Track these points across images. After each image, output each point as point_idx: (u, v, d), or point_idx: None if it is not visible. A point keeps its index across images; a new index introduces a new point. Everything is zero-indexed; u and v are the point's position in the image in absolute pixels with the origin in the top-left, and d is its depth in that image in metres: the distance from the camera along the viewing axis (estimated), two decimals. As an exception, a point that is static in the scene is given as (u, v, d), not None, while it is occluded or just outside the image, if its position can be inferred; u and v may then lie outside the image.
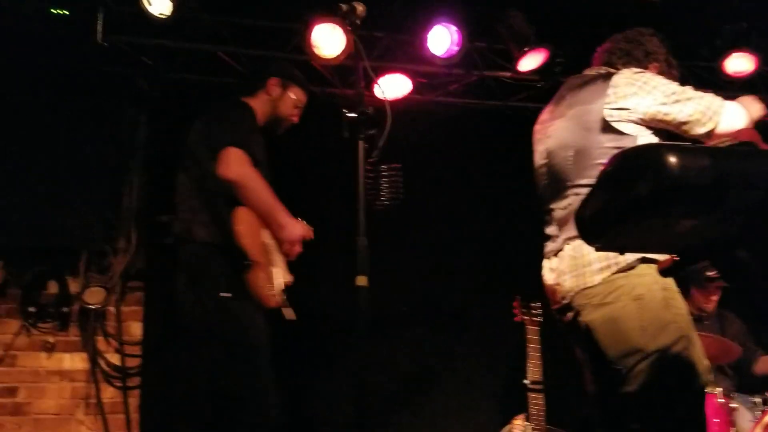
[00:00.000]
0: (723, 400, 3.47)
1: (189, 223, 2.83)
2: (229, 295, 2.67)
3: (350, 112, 1.95)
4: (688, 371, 2.13)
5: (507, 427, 3.44)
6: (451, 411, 4.29)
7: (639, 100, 2.30)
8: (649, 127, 2.34)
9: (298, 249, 2.92)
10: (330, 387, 4.05)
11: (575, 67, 4.61)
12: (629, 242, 1.72)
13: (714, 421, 3.41)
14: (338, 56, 4.09)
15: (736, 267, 1.62)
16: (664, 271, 1.81)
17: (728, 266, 1.63)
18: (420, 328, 4.35)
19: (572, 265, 2.31)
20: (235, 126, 2.85)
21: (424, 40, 4.27)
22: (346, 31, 3.99)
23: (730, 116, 2.25)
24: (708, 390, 3.30)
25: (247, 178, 2.73)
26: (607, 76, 2.41)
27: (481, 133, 4.84)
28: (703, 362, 2.18)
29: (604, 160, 2.18)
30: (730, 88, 4.90)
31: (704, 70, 4.82)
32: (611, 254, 2.22)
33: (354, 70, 4.30)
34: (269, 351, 2.77)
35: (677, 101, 2.28)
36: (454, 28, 4.29)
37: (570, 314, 2.35)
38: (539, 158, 2.59)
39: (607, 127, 2.30)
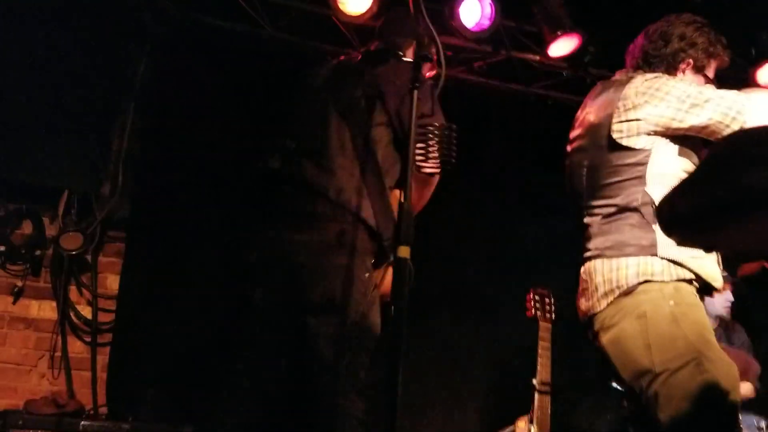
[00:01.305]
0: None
1: (348, 189, 2.35)
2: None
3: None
4: (708, 392, 1.96)
5: (509, 428, 3.23)
6: (453, 404, 4.10)
7: (651, 109, 2.17)
8: (666, 136, 2.19)
9: None
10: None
11: (606, 60, 4.49)
12: (724, 240, 1.49)
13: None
14: (363, 14, 3.87)
15: None
16: (747, 278, 1.59)
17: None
18: (432, 318, 4.11)
19: (584, 288, 2.25)
20: (431, 105, 2.38)
21: (455, 9, 4.00)
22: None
23: (758, 110, 2.10)
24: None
25: (437, 177, 2.39)
26: (620, 87, 2.28)
27: (499, 115, 4.61)
28: (728, 378, 2.01)
29: (616, 179, 2.19)
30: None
31: (735, 79, 4.63)
32: (614, 278, 2.14)
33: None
34: None
35: (694, 105, 2.14)
36: (488, 0, 4.03)
37: (590, 334, 2.25)
38: (567, 169, 2.46)
39: (615, 145, 2.20)
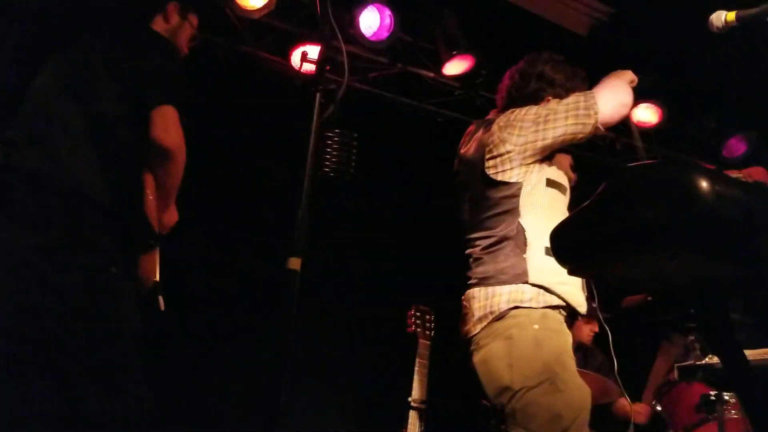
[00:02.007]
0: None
1: (78, 172, 2.14)
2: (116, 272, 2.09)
3: (308, 61, 1.58)
4: (559, 409, 2.11)
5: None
6: (330, 422, 3.99)
7: (515, 139, 2.33)
8: (537, 162, 2.36)
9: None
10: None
11: (497, 84, 4.62)
12: (613, 272, 1.51)
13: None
14: (259, 9, 3.74)
15: (721, 318, 1.46)
16: (629, 309, 1.65)
17: (712, 316, 1.46)
18: (311, 333, 4.00)
19: (464, 313, 2.37)
20: (172, 76, 2.25)
21: (355, 17, 3.96)
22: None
23: (607, 101, 2.31)
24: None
25: (182, 149, 2.19)
26: (489, 125, 2.45)
27: (388, 128, 4.60)
28: (580, 399, 2.17)
29: (493, 212, 2.33)
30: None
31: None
32: (489, 304, 2.27)
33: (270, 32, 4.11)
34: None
35: (548, 120, 2.32)
36: (388, 12, 4.03)
37: (466, 355, 2.35)
38: (456, 201, 2.61)
39: (490, 180, 2.36)
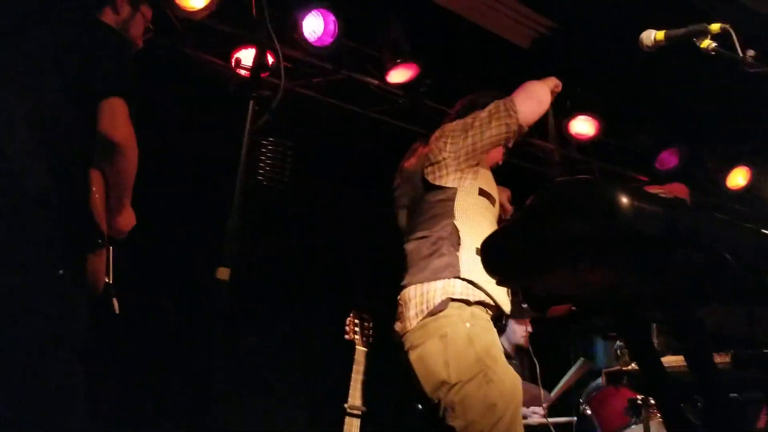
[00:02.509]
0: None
1: (23, 168, 2.05)
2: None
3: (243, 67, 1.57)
4: (492, 398, 2.29)
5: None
6: (267, 428, 3.95)
7: (450, 147, 2.57)
8: (471, 171, 2.57)
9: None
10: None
11: (441, 93, 4.67)
12: (540, 283, 1.54)
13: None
14: (200, 10, 3.68)
15: (642, 331, 1.51)
16: (554, 319, 1.70)
17: (634, 328, 1.51)
18: (249, 337, 3.98)
19: (400, 311, 2.51)
20: (121, 67, 2.16)
21: (298, 22, 3.94)
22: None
23: (524, 101, 2.58)
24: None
25: (132, 143, 2.10)
26: (426, 141, 2.70)
27: (332, 134, 4.60)
28: (511, 388, 2.36)
29: (429, 214, 2.53)
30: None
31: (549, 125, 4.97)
32: (424, 300, 2.43)
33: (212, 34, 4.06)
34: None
35: (475, 126, 2.56)
36: (332, 18, 4.02)
37: (402, 353, 2.49)
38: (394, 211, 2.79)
39: (428, 185, 2.57)
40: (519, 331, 4.02)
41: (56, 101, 2.11)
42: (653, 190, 1.59)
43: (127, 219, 2.24)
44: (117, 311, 2.13)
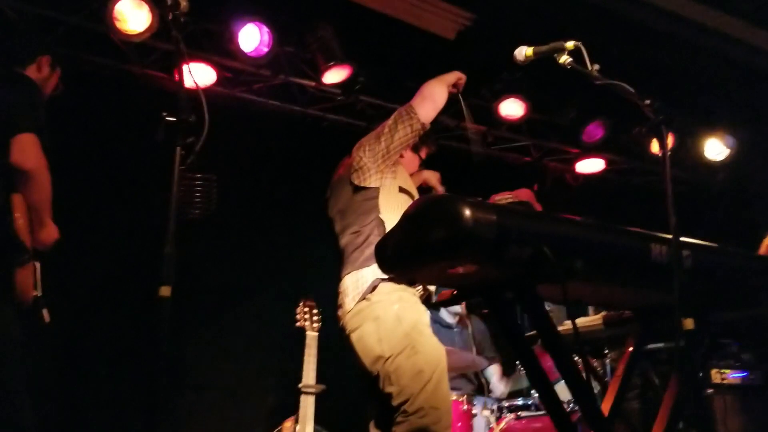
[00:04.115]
0: (466, 407, 3.91)
1: None
2: None
3: (170, 116, 1.89)
4: (419, 367, 2.66)
5: (276, 430, 3.56)
6: (223, 411, 4.31)
7: (368, 152, 2.94)
8: (390, 172, 2.94)
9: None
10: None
11: (375, 89, 4.99)
12: (420, 275, 1.93)
13: (458, 425, 3.82)
14: (141, 33, 3.94)
15: (503, 305, 1.90)
16: (444, 302, 2.08)
17: (496, 304, 1.90)
18: (210, 329, 4.32)
19: (340, 300, 2.87)
20: (31, 107, 2.61)
21: (234, 35, 4.23)
22: (152, 9, 3.88)
23: (421, 104, 2.95)
24: (454, 397, 3.79)
25: (42, 169, 2.54)
26: (351, 154, 3.05)
27: (278, 136, 4.90)
28: (435, 358, 2.71)
29: (358, 212, 2.88)
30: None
31: (482, 109, 5.33)
32: (359, 285, 2.78)
33: (155, 51, 4.32)
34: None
35: (385, 132, 2.92)
36: (266, 29, 4.32)
37: (344, 336, 2.86)
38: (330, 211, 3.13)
39: (355, 188, 2.94)
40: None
41: None
42: (501, 196, 1.98)
43: (49, 233, 2.70)
44: (47, 321, 2.53)
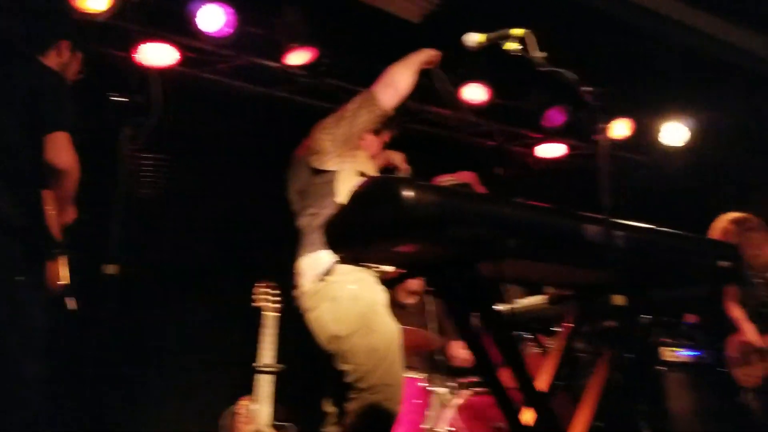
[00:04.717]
0: (423, 384, 3.98)
1: None
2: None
3: (118, 96, 1.91)
4: (375, 345, 2.73)
5: (232, 408, 3.61)
6: (180, 391, 4.34)
7: (328, 135, 2.93)
8: (350, 156, 2.92)
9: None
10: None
11: (340, 71, 5.01)
12: (367, 255, 1.99)
13: (414, 402, 3.90)
14: (103, 12, 3.92)
15: (446, 284, 1.97)
16: (391, 280, 2.15)
17: (440, 282, 1.97)
18: (161, 307, 4.33)
19: (297, 280, 2.90)
20: (62, 103, 2.60)
21: (195, 15, 4.22)
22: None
23: (382, 90, 2.92)
24: (412, 375, 3.87)
25: (75, 169, 2.56)
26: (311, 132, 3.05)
27: (243, 116, 4.90)
28: (390, 338, 2.76)
29: (316, 194, 2.88)
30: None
31: (444, 96, 5.37)
32: (315, 266, 2.80)
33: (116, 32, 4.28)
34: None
35: (348, 117, 2.91)
36: (229, 9, 4.31)
37: (302, 315, 2.90)
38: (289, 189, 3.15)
39: (313, 171, 2.94)
40: (413, 284, 4.51)
41: (9, 135, 2.54)
42: (444, 178, 2.04)
43: (70, 214, 2.73)
44: (73, 308, 2.56)
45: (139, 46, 4.12)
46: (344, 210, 1.90)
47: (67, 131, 2.57)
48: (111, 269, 1.77)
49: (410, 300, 4.55)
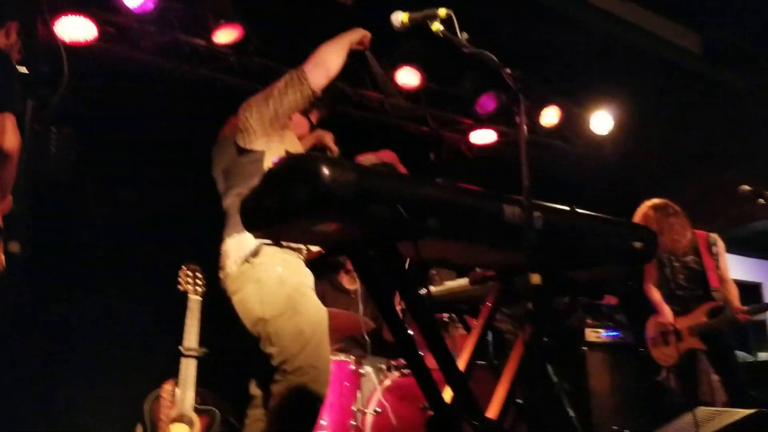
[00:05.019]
0: (354, 367, 3.98)
1: None
2: None
3: (22, 66, 1.80)
4: (300, 327, 2.69)
5: (156, 392, 3.53)
6: (105, 375, 4.22)
7: (255, 114, 2.86)
8: (278, 135, 2.87)
9: None
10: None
11: (269, 50, 4.91)
12: (285, 234, 1.95)
13: (345, 384, 3.90)
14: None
15: (367, 263, 1.95)
16: (312, 261, 2.12)
17: (361, 262, 1.95)
18: (83, 290, 4.18)
19: (222, 262, 2.84)
20: (8, 83, 2.42)
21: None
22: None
23: (313, 70, 2.86)
24: (342, 357, 3.87)
25: (18, 151, 2.36)
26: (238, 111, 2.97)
27: (166, 95, 4.75)
28: (317, 319, 2.74)
29: (241, 174, 2.81)
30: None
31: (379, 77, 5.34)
32: (241, 248, 2.74)
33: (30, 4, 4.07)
34: None
35: (274, 95, 2.83)
36: (152, -17, 4.16)
37: (227, 297, 2.85)
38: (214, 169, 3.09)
39: (240, 150, 2.87)
40: (345, 278, 4.51)
41: None
42: (365, 157, 2.02)
43: (7, 204, 2.55)
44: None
45: (55, 20, 3.94)
46: (260, 188, 1.85)
47: (13, 113, 2.40)
48: (13, 247, 1.67)
49: (353, 285, 4.53)
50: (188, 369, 3.52)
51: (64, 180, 2.16)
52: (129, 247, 4.39)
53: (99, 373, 4.22)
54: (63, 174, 1.87)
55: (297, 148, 3.06)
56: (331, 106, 3.55)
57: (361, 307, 4.00)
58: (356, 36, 3.01)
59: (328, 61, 2.93)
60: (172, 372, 3.57)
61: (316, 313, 2.79)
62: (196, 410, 3.61)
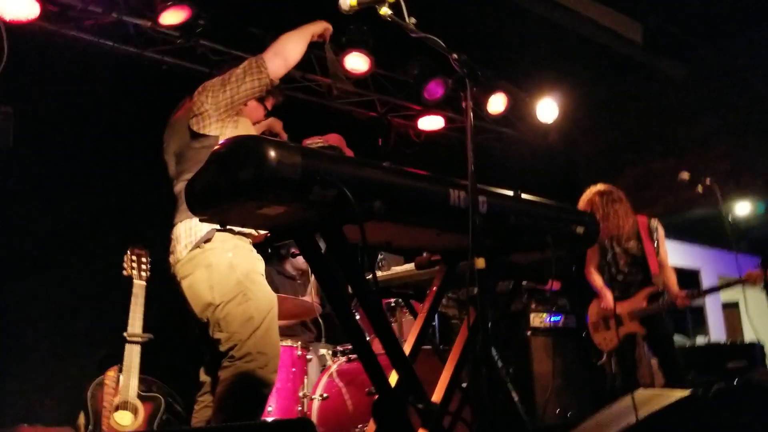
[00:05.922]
0: (300, 353, 3.99)
1: None
2: None
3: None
4: (249, 313, 2.69)
5: (99, 378, 3.47)
6: (47, 362, 4.13)
7: (211, 99, 2.83)
8: (232, 120, 2.85)
9: None
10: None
11: (217, 33, 4.83)
12: (229, 217, 1.93)
13: (291, 370, 3.91)
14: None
15: (311, 248, 1.95)
16: (258, 245, 2.10)
17: (306, 247, 1.95)
18: (24, 275, 4.07)
19: (173, 246, 2.81)
20: None
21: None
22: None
23: (272, 59, 2.86)
24: (289, 343, 3.87)
25: None
26: (192, 96, 2.95)
27: (111, 77, 4.63)
28: (266, 305, 2.74)
29: (195, 159, 2.74)
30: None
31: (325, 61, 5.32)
32: (192, 234, 2.73)
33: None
34: None
35: (231, 81, 2.82)
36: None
37: (175, 283, 2.82)
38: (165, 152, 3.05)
39: (193, 134, 2.83)
40: (291, 263, 4.51)
41: None
42: (312, 140, 2.01)
43: None
44: None
45: None
46: (205, 170, 1.83)
47: None
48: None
49: (296, 272, 4.52)
50: (132, 355, 3.47)
51: (2, 160, 2.08)
52: (72, 230, 4.28)
53: (40, 360, 4.13)
54: (0, 153, 1.80)
55: (252, 134, 3.02)
56: (284, 93, 3.53)
57: (312, 291, 4.02)
58: (318, 28, 3.03)
59: (287, 51, 2.93)
60: (115, 358, 3.51)
61: (265, 298, 2.78)
62: (140, 397, 3.57)
